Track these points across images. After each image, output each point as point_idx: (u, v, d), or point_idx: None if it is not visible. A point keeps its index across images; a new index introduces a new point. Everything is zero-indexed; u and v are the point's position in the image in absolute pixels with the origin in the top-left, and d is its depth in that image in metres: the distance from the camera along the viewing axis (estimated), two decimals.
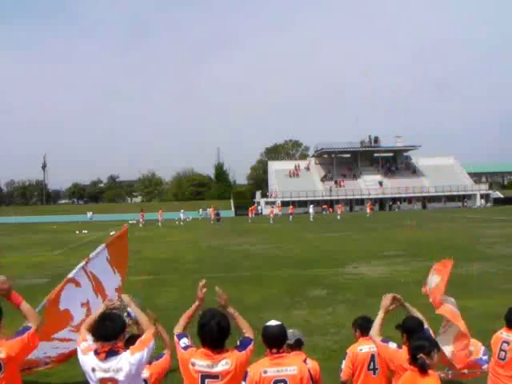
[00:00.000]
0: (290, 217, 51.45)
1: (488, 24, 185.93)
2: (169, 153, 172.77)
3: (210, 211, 55.62)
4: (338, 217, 50.94)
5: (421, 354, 3.53)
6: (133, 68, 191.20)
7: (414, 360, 3.58)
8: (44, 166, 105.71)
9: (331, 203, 69.48)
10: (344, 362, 4.57)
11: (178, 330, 3.77)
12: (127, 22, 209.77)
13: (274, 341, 3.67)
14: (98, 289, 6.35)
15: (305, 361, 4.05)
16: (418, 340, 3.71)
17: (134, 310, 3.92)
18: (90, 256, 6.36)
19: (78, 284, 6.07)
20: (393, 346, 4.06)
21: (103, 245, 6.58)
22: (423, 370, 3.49)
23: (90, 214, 68.37)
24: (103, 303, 4.20)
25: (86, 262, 6.25)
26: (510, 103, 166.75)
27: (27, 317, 3.78)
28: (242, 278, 15.32)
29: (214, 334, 3.40)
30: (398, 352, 4.02)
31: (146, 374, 3.75)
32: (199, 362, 3.40)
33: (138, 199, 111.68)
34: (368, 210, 55.62)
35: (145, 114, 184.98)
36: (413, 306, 4.77)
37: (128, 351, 3.52)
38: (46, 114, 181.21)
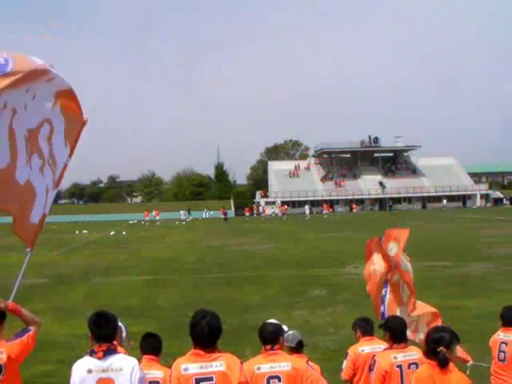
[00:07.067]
0: (284, 216, 55.70)
1: (488, 23, 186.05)
2: (169, 153, 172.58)
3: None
4: (326, 216, 56.75)
5: (441, 347, 3.28)
6: (132, 68, 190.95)
7: (433, 354, 3.34)
8: None
9: (331, 203, 69.69)
10: (345, 362, 4.53)
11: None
12: (126, 23, 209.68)
13: (268, 337, 3.67)
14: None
15: (307, 363, 4.04)
16: (437, 332, 3.46)
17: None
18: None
19: None
20: None
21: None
22: (444, 364, 3.28)
23: None
24: None
25: None
26: (511, 103, 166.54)
27: (28, 322, 3.75)
28: (242, 278, 15.30)
29: (204, 332, 3.38)
30: None
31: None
32: (192, 365, 3.35)
33: (138, 199, 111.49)
34: (353, 210, 62.88)
35: (145, 113, 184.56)
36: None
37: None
38: None
